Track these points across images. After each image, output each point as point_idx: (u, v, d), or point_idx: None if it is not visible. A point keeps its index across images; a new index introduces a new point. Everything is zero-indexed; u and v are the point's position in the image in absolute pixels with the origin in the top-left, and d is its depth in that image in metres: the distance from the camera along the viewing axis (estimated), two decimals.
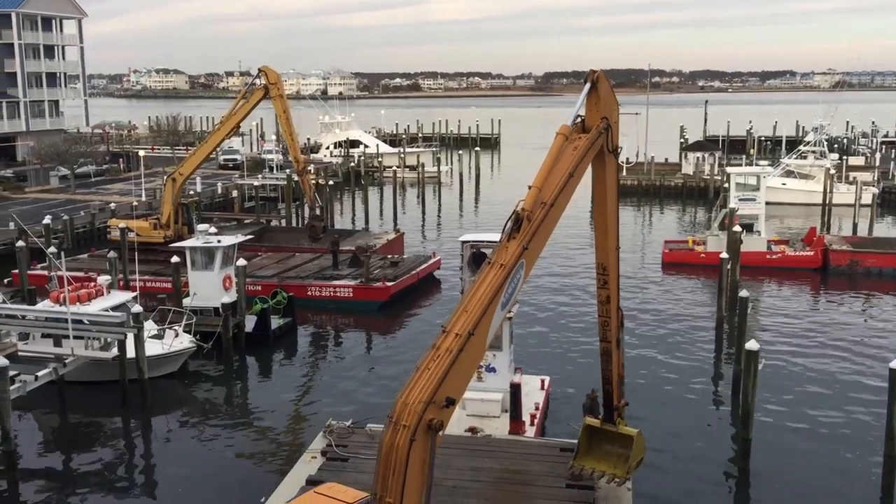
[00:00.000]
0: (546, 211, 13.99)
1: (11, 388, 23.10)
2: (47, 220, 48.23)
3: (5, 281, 39.04)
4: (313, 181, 62.04)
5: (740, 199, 46.95)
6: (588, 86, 15.40)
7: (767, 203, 49.77)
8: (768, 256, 46.17)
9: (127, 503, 21.43)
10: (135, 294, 31.00)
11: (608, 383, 17.96)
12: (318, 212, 48.98)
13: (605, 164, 16.11)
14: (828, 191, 62.90)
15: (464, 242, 25.33)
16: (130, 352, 26.95)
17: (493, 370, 23.96)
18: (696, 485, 21.83)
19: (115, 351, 27.08)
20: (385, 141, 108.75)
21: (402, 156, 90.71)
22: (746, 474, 22.09)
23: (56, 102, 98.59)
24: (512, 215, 13.72)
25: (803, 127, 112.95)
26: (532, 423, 23.29)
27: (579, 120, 15.43)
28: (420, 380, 12.21)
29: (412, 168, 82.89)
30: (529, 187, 13.99)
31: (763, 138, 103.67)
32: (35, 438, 25.27)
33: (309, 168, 52.49)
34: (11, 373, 23.30)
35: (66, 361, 26.17)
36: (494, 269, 13.47)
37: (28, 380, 24.40)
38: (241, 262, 34.15)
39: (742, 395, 23.25)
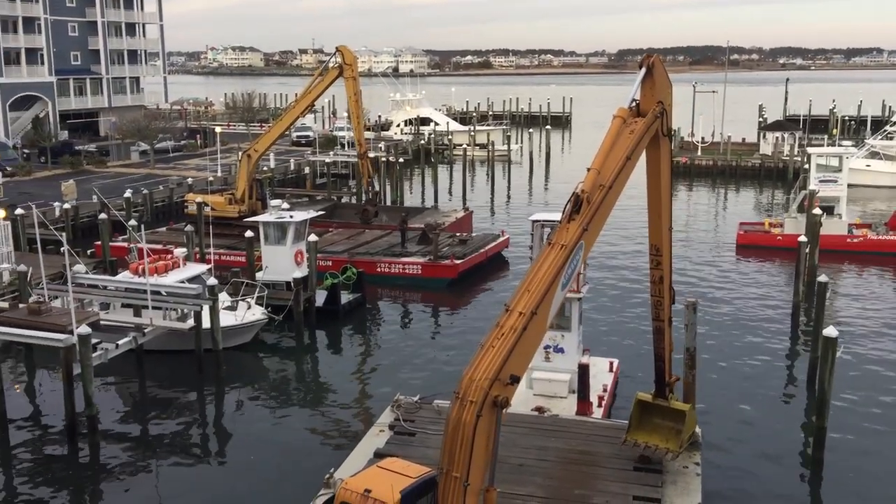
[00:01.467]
0: (605, 193, 14.30)
1: (94, 355, 23.99)
2: (128, 193, 49.88)
3: (88, 252, 40.46)
4: (383, 159, 62.67)
5: (821, 181, 45.43)
6: (643, 70, 15.71)
7: (850, 185, 48.09)
8: (849, 240, 44.60)
9: (200, 468, 22.16)
10: (209, 266, 31.80)
11: (660, 360, 18.65)
12: (371, 196, 49.25)
13: (659, 147, 16.41)
14: None
15: (534, 222, 25.20)
16: (206, 322, 27.71)
17: (560, 350, 23.85)
18: (768, 473, 21.37)
19: (191, 321, 27.87)
20: (455, 119, 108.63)
21: (473, 134, 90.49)
22: (820, 464, 21.50)
23: (137, 79, 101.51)
24: (571, 197, 14.04)
25: (890, 106, 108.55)
26: (600, 405, 23.11)
27: (634, 104, 15.70)
28: (485, 357, 12.43)
29: (482, 146, 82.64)
30: (588, 169, 14.29)
31: (847, 118, 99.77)
32: (115, 404, 26.24)
33: (380, 145, 52.64)
34: (94, 341, 24.16)
35: (145, 331, 27.01)
36: (555, 249, 13.76)
37: (109, 348, 25.30)
38: (313, 237, 34.66)
39: (818, 382, 22.62)
